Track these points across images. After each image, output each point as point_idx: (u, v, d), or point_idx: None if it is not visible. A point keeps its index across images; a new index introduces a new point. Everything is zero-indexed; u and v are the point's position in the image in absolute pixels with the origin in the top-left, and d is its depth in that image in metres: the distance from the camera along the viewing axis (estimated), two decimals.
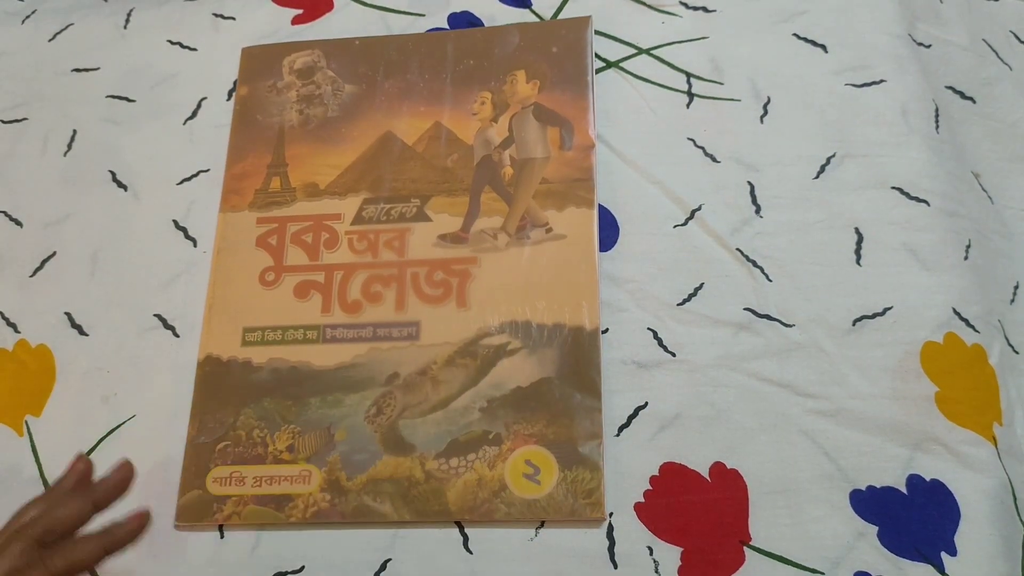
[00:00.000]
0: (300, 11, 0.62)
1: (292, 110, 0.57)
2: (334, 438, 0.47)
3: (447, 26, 0.59)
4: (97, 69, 0.62)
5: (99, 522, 0.40)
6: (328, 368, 0.49)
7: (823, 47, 0.55)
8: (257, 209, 0.54)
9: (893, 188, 0.50)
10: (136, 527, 0.39)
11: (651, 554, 0.43)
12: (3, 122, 0.61)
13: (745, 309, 0.48)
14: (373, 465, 0.46)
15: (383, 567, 0.44)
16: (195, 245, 0.55)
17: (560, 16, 0.58)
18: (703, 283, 0.49)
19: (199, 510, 0.47)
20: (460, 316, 0.49)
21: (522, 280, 0.50)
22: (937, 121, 0.52)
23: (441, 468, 0.46)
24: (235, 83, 0.59)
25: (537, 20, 0.58)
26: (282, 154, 0.56)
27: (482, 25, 0.59)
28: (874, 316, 0.47)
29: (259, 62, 0.60)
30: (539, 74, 0.55)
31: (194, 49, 0.62)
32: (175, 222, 0.55)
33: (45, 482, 0.49)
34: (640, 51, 0.56)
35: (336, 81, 0.58)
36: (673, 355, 0.47)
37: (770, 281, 0.48)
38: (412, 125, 0.55)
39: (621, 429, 0.46)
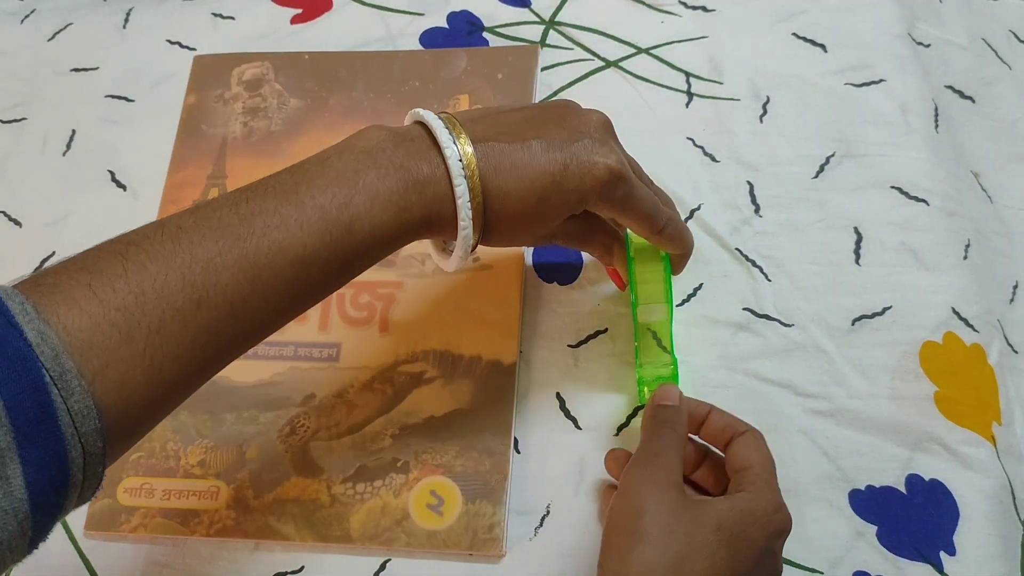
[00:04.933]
0: (299, 11, 0.62)
1: (237, 122, 0.57)
2: (245, 455, 0.47)
3: (446, 25, 0.59)
4: (96, 69, 0.62)
5: None
6: (247, 384, 0.49)
7: (822, 47, 0.55)
8: None
9: (892, 188, 0.50)
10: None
11: None
12: (2, 122, 0.61)
13: (744, 309, 0.48)
14: (281, 485, 0.46)
15: (383, 567, 0.44)
16: None
17: (559, 17, 0.58)
18: (702, 283, 0.49)
19: (108, 520, 0.46)
20: (381, 341, 0.49)
21: (445, 309, 0.49)
22: (936, 121, 0.52)
23: (347, 493, 0.45)
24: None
25: (488, 45, 0.58)
26: (223, 166, 0.55)
27: (481, 24, 0.59)
28: (873, 316, 0.47)
29: (209, 71, 0.59)
30: (483, 100, 0.55)
31: (193, 49, 0.62)
32: None
33: None
34: (639, 50, 0.56)
35: (283, 95, 0.57)
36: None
37: (769, 281, 0.48)
38: None
39: (620, 429, 0.46)
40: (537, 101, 0.55)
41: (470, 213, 0.35)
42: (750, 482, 0.38)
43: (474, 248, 0.38)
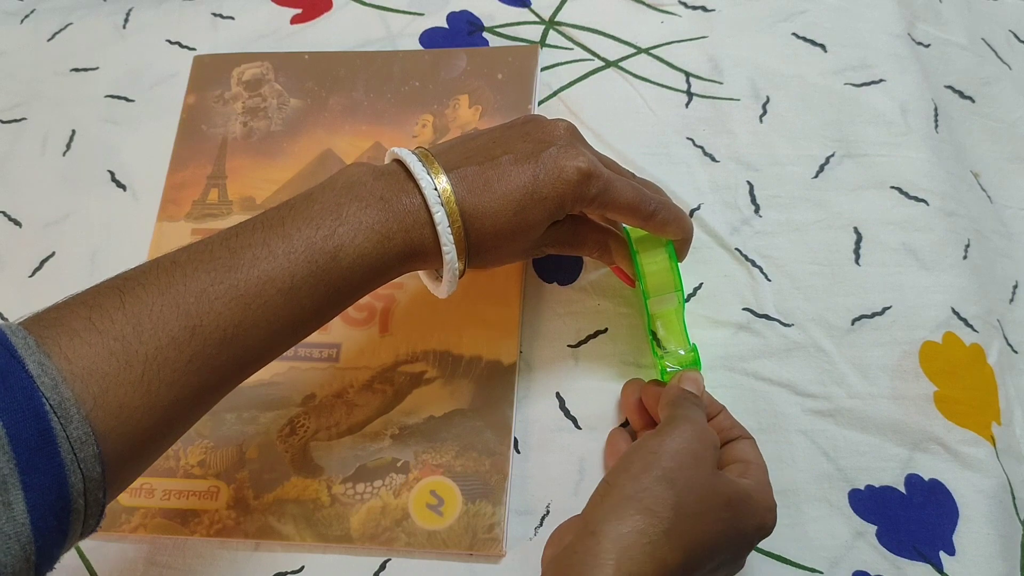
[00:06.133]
0: (299, 11, 0.62)
1: (236, 122, 0.57)
2: (245, 455, 0.47)
3: (446, 25, 0.59)
4: (96, 69, 0.62)
5: None
6: (247, 384, 0.48)
7: (822, 46, 0.55)
8: (193, 220, 0.54)
9: (892, 188, 0.50)
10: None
11: None
12: (2, 122, 0.61)
13: (744, 309, 0.48)
14: (280, 485, 0.46)
15: (383, 567, 0.44)
16: None
17: (558, 17, 0.58)
18: (702, 283, 0.49)
19: (108, 519, 0.46)
20: (381, 341, 0.49)
21: (445, 309, 0.49)
22: (936, 120, 0.52)
23: (347, 493, 0.45)
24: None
25: (488, 45, 0.58)
26: (223, 166, 0.56)
27: (481, 24, 0.59)
28: (873, 316, 0.47)
29: (209, 71, 0.59)
30: (483, 100, 0.55)
31: (193, 48, 0.62)
32: None
33: None
34: (639, 50, 0.56)
35: (282, 95, 0.57)
36: None
37: (769, 281, 0.48)
38: (352, 144, 0.55)
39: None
40: (536, 102, 0.55)
41: (451, 237, 0.37)
42: (752, 475, 0.38)
43: (463, 273, 0.39)
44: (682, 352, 0.44)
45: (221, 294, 0.33)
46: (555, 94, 0.55)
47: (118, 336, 0.31)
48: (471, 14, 0.60)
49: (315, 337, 0.49)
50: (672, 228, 0.42)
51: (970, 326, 0.46)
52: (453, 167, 0.38)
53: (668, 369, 0.44)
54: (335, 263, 0.35)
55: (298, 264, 0.34)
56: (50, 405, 0.28)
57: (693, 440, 0.36)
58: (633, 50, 0.57)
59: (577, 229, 0.43)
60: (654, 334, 0.45)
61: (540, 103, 0.55)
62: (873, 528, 0.43)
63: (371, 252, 0.36)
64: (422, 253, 0.37)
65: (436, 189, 0.37)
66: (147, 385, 0.31)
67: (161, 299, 0.32)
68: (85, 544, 0.47)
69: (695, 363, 0.44)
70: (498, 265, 0.44)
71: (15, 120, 0.61)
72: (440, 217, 0.36)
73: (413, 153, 0.38)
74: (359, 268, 0.36)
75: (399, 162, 0.39)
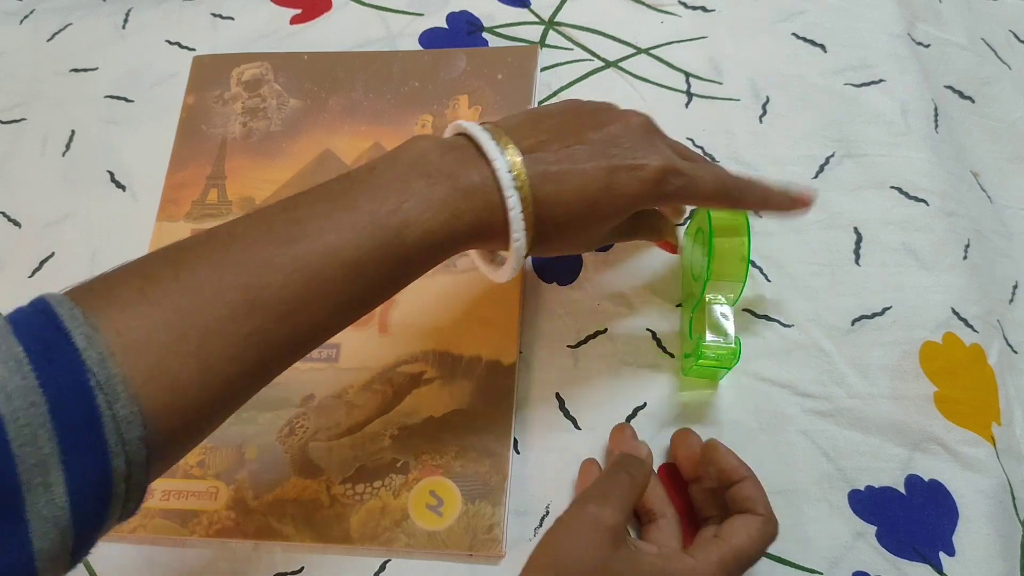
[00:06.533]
0: (299, 11, 0.62)
1: (236, 122, 0.57)
2: (245, 456, 0.47)
3: (446, 26, 0.59)
4: (96, 69, 0.62)
5: None
6: None
7: (822, 47, 0.55)
8: (192, 220, 0.54)
9: (892, 188, 0.50)
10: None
11: None
12: (2, 122, 0.61)
13: (744, 310, 0.48)
14: (280, 486, 0.46)
15: (382, 568, 0.44)
16: None
17: (558, 17, 0.58)
18: None
19: None
20: (380, 341, 0.49)
21: (444, 309, 0.49)
22: (936, 121, 0.52)
23: (346, 493, 0.45)
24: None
25: (487, 46, 0.58)
26: (222, 166, 0.56)
27: (481, 25, 0.59)
28: (873, 316, 0.47)
29: (209, 71, 0.59)
30: (483, 100, 0.55)
31: (193, 49, 0.62)
32: None
33: None
34: (639, 51, 0.56)
35: (282, 95, 0.57)
36: (672, 356, 0.47)
37: (769, 281, 0.48)
38: (352, 144, 0.55)
39: None
40: (536, 102, 0.55)
41: (523, 224, 0.36)
42: (711, 550, 0.37)
43: (526, 257, 0.38)
44: (723, 342, 0.42)
45: (283, 266, 0.31)
46: (555, 94, 0.55)
47: (173, 307, 0.29)
48: (471, 14, 0.60)
49: None
50: (768, 206, 0.42)
51: (970, 326, 0.46)
52: (527, 150, 0.36)
53: (705, 355, 0.42)
54: (399, 239, 0.33)
55: (362, 238, 0.33)
56: (96, 381, 0.27)
57: (586, 526, 0.35)
58: (633, 50, 0.56)
59: (633, 219, 0.42)
60: (693, 323, 0.44)
61: (540, 103, 0.55)
62: (873, 529, 0.43)
63: (438, 229, 0.34)
64: (489, 234, 0.36)
65: (511, 171, 0.35)
66: (203, 358, 0.29)
67: (220, 271, 0.31)
68: None
69: (736, 356, 0.42)
70: (558, 254, 0.42)
71: (15, 120, 0.61)
72: (513, 201, 0.35)
73: (485, 130, 0.36)
74: (424, 245, 0.34)
75: (465, 136, 0.37)
